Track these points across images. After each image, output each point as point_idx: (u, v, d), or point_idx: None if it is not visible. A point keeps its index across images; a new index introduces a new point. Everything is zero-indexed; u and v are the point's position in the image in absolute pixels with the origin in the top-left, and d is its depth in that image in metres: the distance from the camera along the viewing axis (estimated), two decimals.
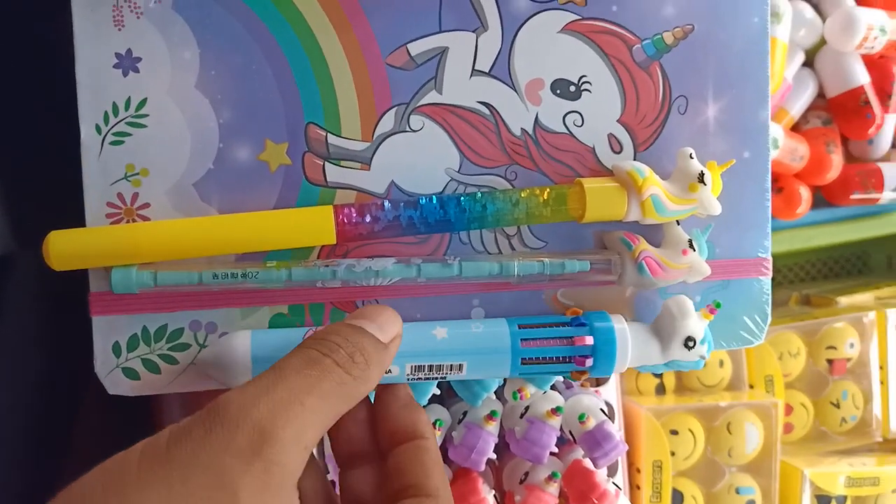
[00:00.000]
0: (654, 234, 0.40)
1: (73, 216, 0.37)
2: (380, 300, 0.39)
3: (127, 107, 0.37)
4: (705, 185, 0.38)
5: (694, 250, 0.39)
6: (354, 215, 0.38)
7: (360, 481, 0.33)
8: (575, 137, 0.40)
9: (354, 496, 0.33)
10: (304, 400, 0.27)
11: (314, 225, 0.37)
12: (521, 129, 0.40)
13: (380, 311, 0.33)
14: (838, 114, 0.68)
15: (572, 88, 0.40)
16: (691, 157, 0.39)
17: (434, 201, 0.38)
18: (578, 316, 0.38)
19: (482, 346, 0.37)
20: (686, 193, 0.39)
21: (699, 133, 0.41)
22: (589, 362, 0.37)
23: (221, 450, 0.25)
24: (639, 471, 0.59)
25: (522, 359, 0.37)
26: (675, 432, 0.60)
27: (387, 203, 0.38)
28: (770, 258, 0.42)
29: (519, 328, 0.37)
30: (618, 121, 0.40)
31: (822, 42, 0.68)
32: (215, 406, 0.26)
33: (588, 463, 0.45)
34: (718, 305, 0.39)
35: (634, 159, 0.40)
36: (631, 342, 0.38)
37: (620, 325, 0.38)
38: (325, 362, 0.29)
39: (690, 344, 0.38)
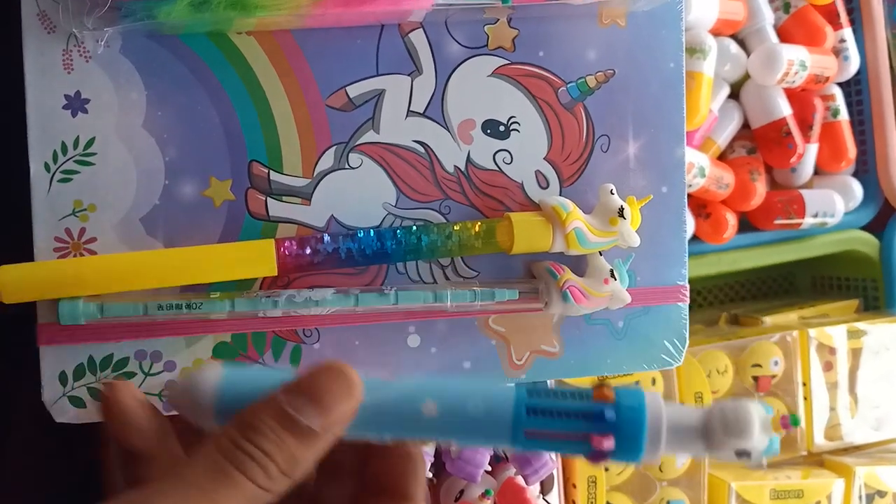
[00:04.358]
0: (579, 264, 0.43)
1: (21, 250, 0.38)
2: (320, 328, 0.41)
3: (76, 146, 0.39)
4: (625, 219, 0.41)
5: (615, 279, 0.42)
6: (295, 248, 0.40)
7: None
8: (504, 174, 0.43)
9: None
10: None
11: (256, 258, 0.39)
12: (454, 166, 0.42)
13: (328, 388, 0.26)
14: (762, 144, 0.72)
15: (502, 128, 0.42)
16: (612, 193, 0.42)
17: (371, 234, 0.41)
18: (605, 402, 0.26)
19: (478, 427, 0.27)
20: (607, 227, 0.41)
21: (620, 169, 0.44)
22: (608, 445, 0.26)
23: None
24: (574, 486, 0.61)
25: (526, 431, 0.26)
26: None
27: (326, 236, 0.40)
28: (687, 285, 0.45)
29: (528, 414, 0.26)
30: (544, 158, 0.43)
31: (747, 76, 0.71)
32: None
33: (520, 480, 0.48)
34: (796, 422, 0.29)
35: (560, 194, 0.43)
36: (665, 436, 0.26)
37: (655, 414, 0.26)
38: (236, 478, 0.24)
39: (744, 456, 0.26)
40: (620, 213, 0.41)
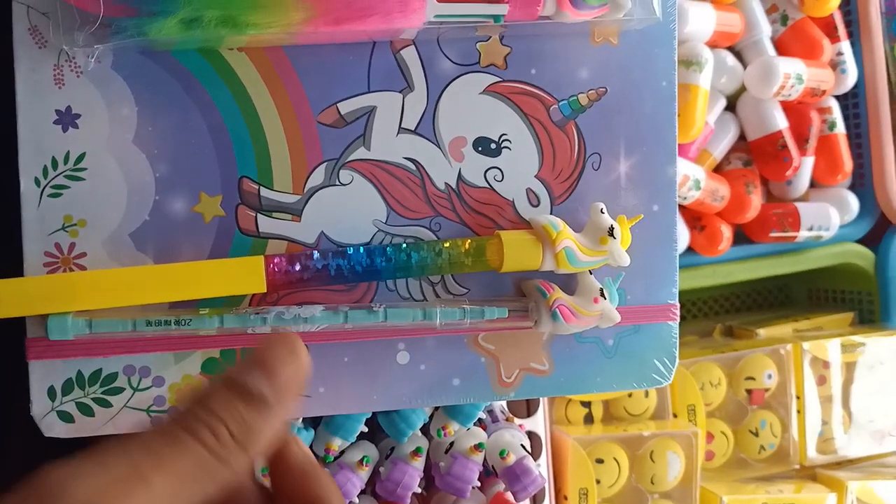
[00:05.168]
0: (569, 283, 0.43)
1: (11, 264, 0.38)
2: (310, 345, 0.41)
3: (66, 161, 0.39)
4: (615, 238, 0.41)
5: (605, 298, 0.42)
6: (284, 264, 0.40)
7: None
8: (496, 191, 0.43)
9: None
10: (151, 478, 0.23)
11: (246, 274, 0.39)
12: (445, 183, 0.42)
13: (271, 353, 0.27)
14: (758, 156, 0.72)
15: (493, 146, 0.42)
16: (602, 212, 0.42)
17: (361, 251, 0.41)
18: None
19: None
20: (597, 246, 0.41)
21: (612, 188, 0.44)
22: None
23: None
24: (566, 498, 0.61)
25: None
26: (600, 461, 0.63)
27: (316, 253, 0.40)
28: (678, 304, 0.45)
29: None
30: (535, 176, 0.43)
31: (744, 88, 0.71)
32: (32, 481, 0.22)
33: (510, 496, 0.48)
34: None
35: (551, 212, 0.43)
36: None
37: None
38: (185, 440, 0.24)
39: None
40: (610, 232, 0.41)
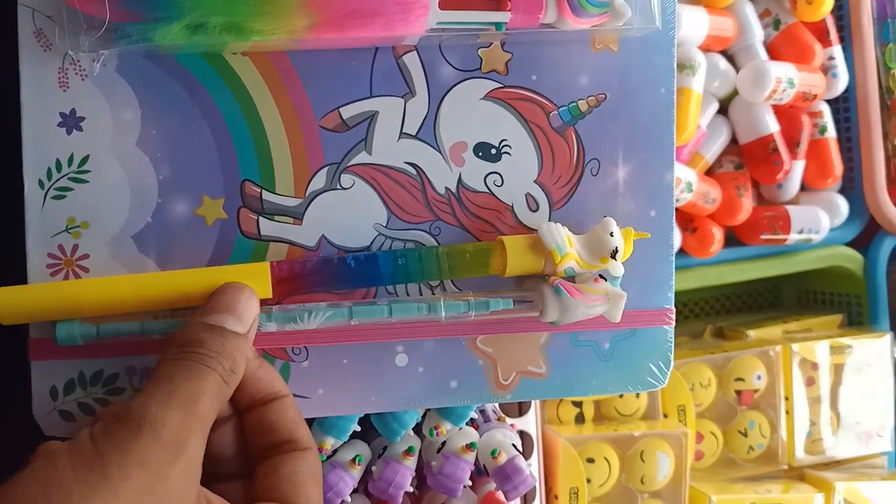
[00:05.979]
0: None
1: (15, 266, 0.39)
2: (309, 347, 0.42)
3: (70, 163, 0.39)
4: (615, 261, 0.41)
5: (605, 280, 0.41)
6: (288, 268, 0.40)
7: (219, 441, 0.36)
8: (495, 196, 0.43)
9: (214, 456, 0.36)
10: (200, 396, 0.32)
11: (252, 281, 0.39)
12: (446, 187, 0.43)
13: (236, 299, 0.36)
14: (749, 160, 0.72)
15: (493, 151, 0.43)
16: (612, 235, 0.41)
17: (365, 255, 0.41)
18: None
19: None
20: (597, 262, 0.41)
21: (610, 193, 0.44)
22: None
23: (152, 445, 0.29)
24: (556, 497, 0.62)
25: None
26: (591, 460, 0.64)
27: (318, 258, 0.40)
28: (673, 308, 0.46)
29: None
30: (535, 181, 0.43)
31: (736, 92, 0.72)
32: (134, 409, 0.30)
33: (501, 495, 0.48)
34: None
35: (550, 218, 0.43)
36: None
37: None
38: (206, 371, 0.33)
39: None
40: (613, 255, 0.41)
